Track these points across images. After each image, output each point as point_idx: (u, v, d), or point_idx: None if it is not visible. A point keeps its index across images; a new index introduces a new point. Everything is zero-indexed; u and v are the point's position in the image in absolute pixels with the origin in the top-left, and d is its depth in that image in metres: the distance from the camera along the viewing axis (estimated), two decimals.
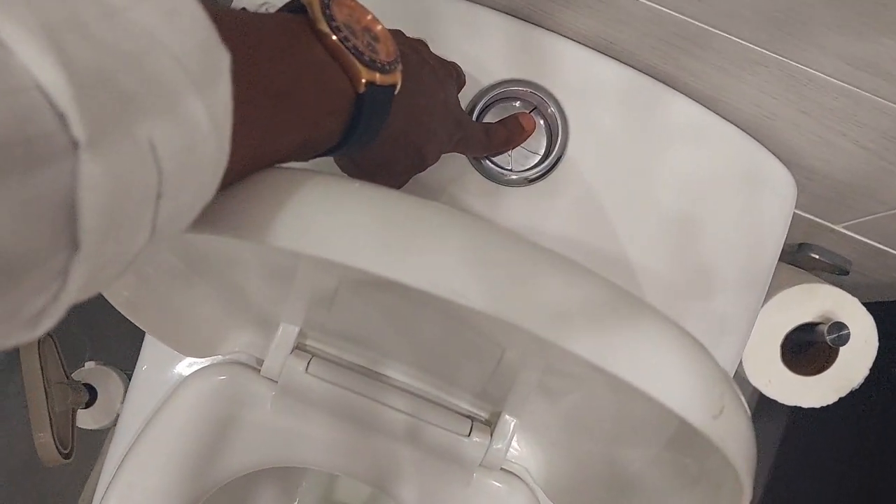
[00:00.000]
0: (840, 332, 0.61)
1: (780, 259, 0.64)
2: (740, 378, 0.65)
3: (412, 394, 0.58)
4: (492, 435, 0.57)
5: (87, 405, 0.62)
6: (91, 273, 0.17)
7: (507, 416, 0.57)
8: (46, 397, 0.53)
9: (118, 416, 0.58)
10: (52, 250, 0.15)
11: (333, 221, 0.22)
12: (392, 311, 0.49)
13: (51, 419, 0.53)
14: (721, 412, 0.25)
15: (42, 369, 0.53)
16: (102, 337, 0.86)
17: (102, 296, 0.86)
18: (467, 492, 0.58)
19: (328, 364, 0.57)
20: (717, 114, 0.55)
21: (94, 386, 0.63)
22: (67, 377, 0.57)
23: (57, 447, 0.52)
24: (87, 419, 0.62)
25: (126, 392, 0.58)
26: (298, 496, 0.78)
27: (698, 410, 0.24)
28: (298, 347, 0.58)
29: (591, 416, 0.47)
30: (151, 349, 0.59)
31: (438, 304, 0.40)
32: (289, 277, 0.45)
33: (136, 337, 0.60)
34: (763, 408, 0.94)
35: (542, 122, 0.53)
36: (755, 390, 0.67)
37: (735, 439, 0.26)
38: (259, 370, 0.57)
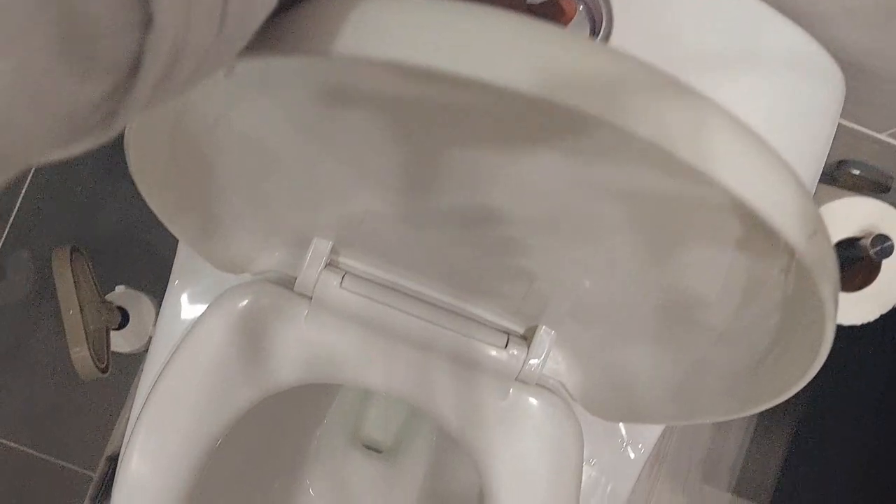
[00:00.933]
0: (883, 244, 0.59)
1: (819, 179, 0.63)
2: None
3: (446, 309, 0.57)
4: (529, 348, 0.56)
5: (120, 327, 0.62)
6: (164, 65, 0.16)
7: (545, 329, 0.56)
8: (81, 314, 0.53)
9: (150, 339, 0.58)
10: (127, 22, 0.14)
11: (400, 21, 0.21)
12: (429, 217, 0.48)
13: (86, 334, 0.52)
14: (815, 233, 0.23)
15: (76, 286, 0.53)
16: (133, 263, 0.86)
17: (134, 222, 0.85)
18: (503, 406, 0.57)
19: (361, 279, 0.56)
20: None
21: (126, 309, 0.63)
22: (101, 297, 0.57)
23: (94, 361, 0.52)
24: (120, 342, 0.62)
25: (157, 315, 0.58)
26: (326, 427, 0.79)
27: (796, 227, 0.23)
28: (331, 264, 0.57)
29: (639, 307, 0.46)
30: (183, 269, 0.59)
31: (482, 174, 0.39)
32: (327, 158, 0.44)
33: (166, 265, 0.59)
34: None
35: (581, 7, 0.51)
36: None
37: (825, 269, 0.24)
38: (292, 288, 0.57)
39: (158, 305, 0.67)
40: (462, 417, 0.58)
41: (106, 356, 0.55)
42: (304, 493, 0.74)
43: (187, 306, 0.59)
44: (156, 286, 0.66)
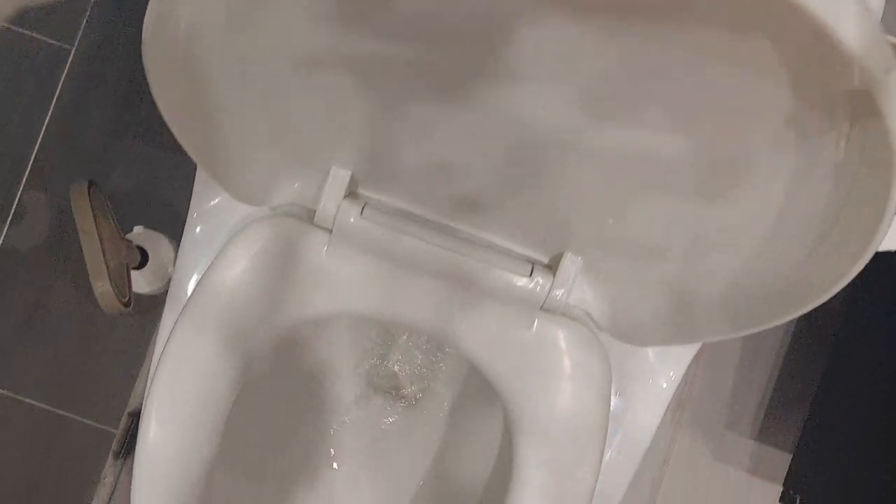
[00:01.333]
0: None
1: None
2: None
3: (469, 239, 0.57)
4: (554, 276, 0.55)
5: (139, 267, 0.61)
6: None
7: (570, 256, 0.55)
8: (102, 248, 0.52)
9: (170, 279, 0.57)
10: None
11: None
12: (451, 135, 0.48)
13: (107, 268, 0.52)
14: (891, 70, 0.22)
15: (95, 221, 0.53)
16: (149, 207, 0.86)
17: (150, 168, 0.85)
18: (528, 336, 0.57)
19: (382, 210, 0.56)
20: None
21: (145, 249, 0.62)
22: (120, 234, 0.56)
23: (116, 294, 0.52)
24: (140, 282, 0.61)
25: (177, 255, 0.57)
26: (346, 374, 0.78)
27: (876, 60, 0.21)
28: (351, 195, 0.56)
29: (678, 220, 0.45)
30: (201, 205, 0.58)
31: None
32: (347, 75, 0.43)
33: (182, 207, 0.59)
34: None
35: None
36: None
37: None
38: (312, 222, 0.56)
39: (177, 246, 0.66)
40: (486, 350, 0.57)
41: (128, 292, 0.55)
42: (327, 439, 0.74)
43: (206, 244, 0.58)
44: (173, 229, 0.65)
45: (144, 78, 0.38)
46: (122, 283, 0.53)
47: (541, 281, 0.55)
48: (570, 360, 0.57)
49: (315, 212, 0.56)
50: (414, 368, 0.79)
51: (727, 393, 0.94)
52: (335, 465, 0.74)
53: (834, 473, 0.79)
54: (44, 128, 0.85)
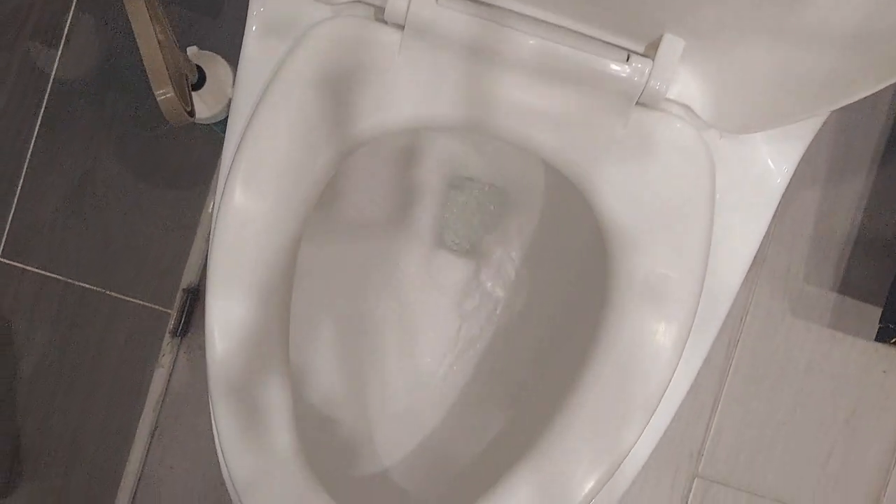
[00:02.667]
0: None
1: None
2: None
3: (558, 25, 0.51)
4: (654, 61, 0.50)
5: (196, 88, 0.57)
6: None
7: (670, 38, 0.50)
8: (162, 55, 0.47)
9: (230, 101, 0.53)
10: None
11: None
12: None
13: (169, 75, 0.48)
14: None
15: (153, 26, 0.48)
16: (203, 27, 0.82)
17: None
18: (623, 134, 0.52)
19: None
20: None
21: (202, 68, 0.58)
22: (177, 46, 0.52)
23: (180, 102, 0.47)
24: (198, 105, 0.57)
25: (235, 78, 0.53)
26: (411, 224, 0.74)
27: None
28: None
29: None
30: (259, 13, 0.53)
31: None
32: None
33: (238, 26, 0.54)
34: None
35: None
36: None
37: None
38: (381, 19, 0.51)
39: (234, 68, 0.62)
40: (577, 151, 0.52)
41: (190, 102, 0.50)
42: (397, 279, 0.71)
43: (266, 59, 0.54)
44: (229, 52, 0.60)
45: None
46: (183, 93, 0.49)
47: (638, 67, 0.50)
48: (669, 160, 0.52)
49: (384, 9, 0.51)
50: (477, 224, 0.74)
51: (807, 245, 0.89)
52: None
53: None
54: None
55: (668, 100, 0.53)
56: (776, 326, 0.89)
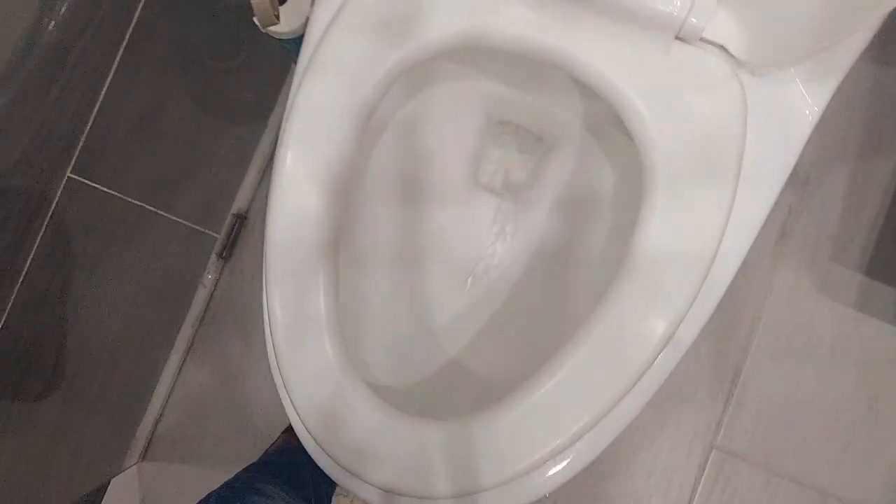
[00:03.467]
0: None
1: None
2: None
3: None
4: None
5: (281, 2, 0.61)
6: None
7: None
8: None
9: (307, 20, 0.57)
10: None
11: None
12: None
13: None
14: None
15: None
16: None
17: None
18: (663, 62, 0.55)
19: None
20: None
21: None
22: None
23: (271, 5, 0.52)
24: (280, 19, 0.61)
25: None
26: (449, 165, 0.78)
27: None
28: None
29: None
30: None
31: None
32: None
33: None
34: None
35: None
36: None
37: None
38: None
39: None
40: (622, 77, 0.55)
41: (277, 8, 0.55)
42: (433, 216, 0.74)
43: None
44: None
45: None
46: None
47: (678, 3, 0.53)
48: (703, 92, 0.55)
49: None
50: (514, 167, 0.78)
51: (835, 223, 0.91)
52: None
53: None
54: None
55: (704, 39, 0.55)
56: (801, 302, 0.90)
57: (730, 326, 0.91)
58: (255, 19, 0.58)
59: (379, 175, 0.70)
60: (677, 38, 0.55)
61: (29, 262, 0.82)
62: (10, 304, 0.80)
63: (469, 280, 0.74)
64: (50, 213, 0.84)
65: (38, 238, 0.82)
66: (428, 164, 0.75)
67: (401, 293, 0.71)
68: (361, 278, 0.69)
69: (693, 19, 0.54)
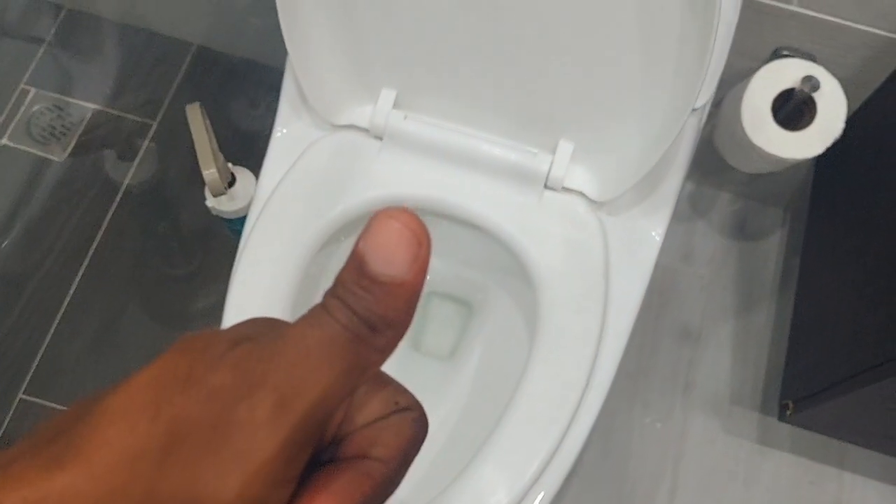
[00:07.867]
0: (811, 81, 0.78)
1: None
2: (748, 139, 0.81)
3: (489, 134, 0.75)
4: (553, 156, 0.72)
5: (229, 186, 0.77)
6: None
7: (563, 143, 0.73)
8: (210, 147, 0.70)
9: (252, 199, 0.74)
10: None
11: None
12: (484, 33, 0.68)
13: (215, 160, 0.69)
14: None
15: (206, 130, 0.71)
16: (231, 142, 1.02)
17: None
18: (538, 204, 0.72)
19: (422, 117, 0.74)
20: None
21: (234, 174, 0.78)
22: (219, 150, 0.74)
23: (221, 179, 0.68)
24: (228, 200, 0.76)
25: (258, 181, 0.75)
26: None
27: None
28: (397, 106, 0.75)
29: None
30: (283, 125, 0.76)
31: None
32: None
33: (262, 142, 0.77)
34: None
35: None
36: None
37: None
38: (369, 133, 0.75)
39: (257, 177, 0.83)
40: (502, 216, 0.72)
41: (226, 182, 0.71)
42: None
43: (282, 166, 0.76)
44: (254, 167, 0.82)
45: None
46: (223, 174, 0.70)
47: (542, 159, 0.72)
48: (569, 223, 0.72)
49: (368, 129, 0.74)
50: (448, 333, 0.91)
51: (727, 371, 1.04)
52: None
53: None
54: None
55: (567, 188, 0.74)
56: (713, 443, 1.00)
57: (653, 473, 0.99)
58: (206, 191, 0.74)
59: None
60: (546, 187, 0.73)
61: None
62: None
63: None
64: None
65: None
66: None
67: None
68: None
69: (555, 171, 0.72)
